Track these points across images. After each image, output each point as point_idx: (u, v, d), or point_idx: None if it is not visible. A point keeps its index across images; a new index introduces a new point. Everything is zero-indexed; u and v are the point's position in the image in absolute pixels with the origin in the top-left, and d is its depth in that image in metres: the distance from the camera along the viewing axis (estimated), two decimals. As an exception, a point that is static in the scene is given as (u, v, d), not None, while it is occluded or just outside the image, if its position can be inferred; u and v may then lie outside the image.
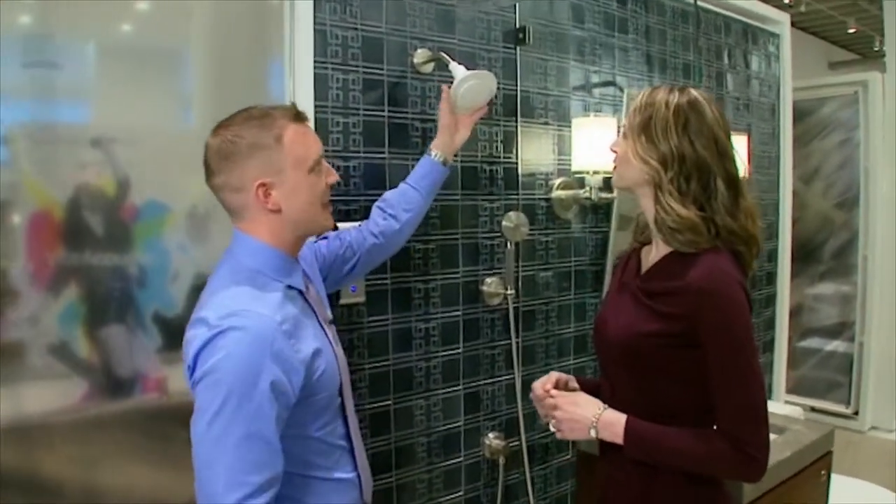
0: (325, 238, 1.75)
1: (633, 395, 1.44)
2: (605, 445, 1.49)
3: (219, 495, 1.16)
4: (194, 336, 1.24)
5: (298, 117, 1.37)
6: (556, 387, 1.56)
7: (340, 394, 1.44)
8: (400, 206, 1.82)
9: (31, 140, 1.52)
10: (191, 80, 1.79)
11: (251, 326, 1.21)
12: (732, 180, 1.40)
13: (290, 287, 1.37)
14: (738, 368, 1.33)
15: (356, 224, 1.85)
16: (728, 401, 1.33)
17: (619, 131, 1.53)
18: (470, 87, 1.88)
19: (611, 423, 1.42)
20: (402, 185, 1.86)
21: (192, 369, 1.24)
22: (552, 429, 1.51)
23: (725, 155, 1.40)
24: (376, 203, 1.84)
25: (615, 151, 1.50)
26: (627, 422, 1.40)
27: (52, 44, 1.53)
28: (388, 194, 1.85)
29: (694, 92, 1.42)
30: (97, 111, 1.62)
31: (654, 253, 1.49)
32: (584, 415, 1.45)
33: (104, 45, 1.62)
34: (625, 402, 1.45)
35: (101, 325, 1.60)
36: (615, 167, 1.50)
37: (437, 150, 1.89)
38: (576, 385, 1.61)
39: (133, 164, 1.62)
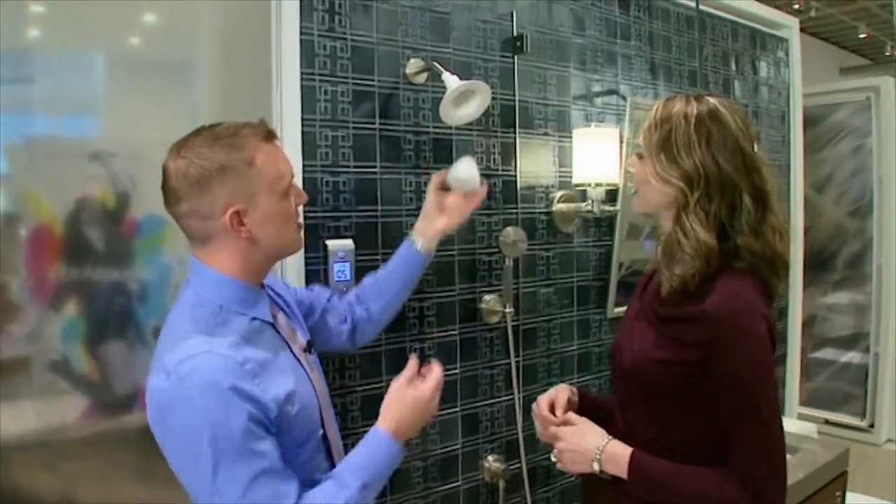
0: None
1: (646, 425, 1.36)
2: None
3: None
4: (155, 388, 1.17)
5: (269, 136, 1.28)
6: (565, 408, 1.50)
7: (322, 426, 1.37)
8: (371, 296, 1.71)
9: (31, 154, 1.50)
10: (195, 92, 1.77)
11: (209, 371, 1.13)
12: (760, 195, 1.28)
13: (255, 319, 1.29)
14: (754, 407, 1.23)
15: (347, 242, 1.85)
16: (742, 441, 1.23)
17: (622, 142, 1.44)
18: (461, 97, 1.81)
19: (615, 455, 1.33)
20: (379, 272, 1.75)
21: (158, 423, 1.18)
22: (553, 459, 1.43)
23: (753, 168, 1.29)
24: (357, 286, 1.75)
25: (631, 171, 1.41)
26: (633, 456, 1.32)
27: (52, 57, 1.52)
28: (366, 279, 1.75)
29: (713, 100, 1.31)
30: (98, 125, 1.61)
31: None
32: (586, 447, 1.36)
33: (108, 58, 1.62)
34: (636, 431, 1.37)
35: (101, 341, 1.58)
36: (636, 191, 1.40)
37: (417, 236, 1.74)
38: (575, 398, 1.55)
39: (133, 177, 1.60)
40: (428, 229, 1.74)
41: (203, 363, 1.13)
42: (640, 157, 1.36)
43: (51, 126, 1.54)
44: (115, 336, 1.61)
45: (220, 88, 1.80)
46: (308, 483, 1.27)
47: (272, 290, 1.44)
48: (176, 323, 1.24)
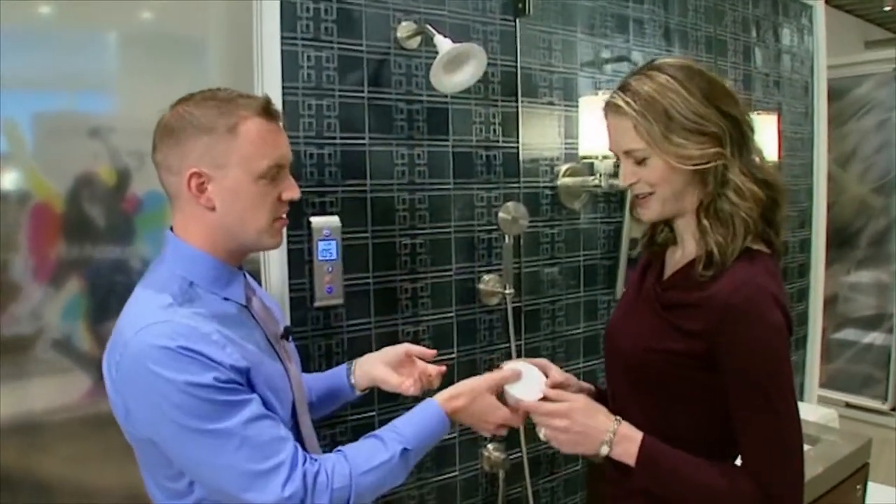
0: None
1: (637, 417, 1.25)
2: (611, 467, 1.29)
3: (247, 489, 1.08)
4: (112, 363, 1.11)
5: (267, 112, 1.18)
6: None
7: (295, 419, 1.27)
8: None
9: (31, 130, 1.48)
10: (204, 67, 1.73)
11: (161, 337, 1.06)
12: (750, 123, 1.22)
13: (227, 299, 1.20)
14: (768, 399, 1.12)
15: (333, 219, 1.71)
16: (755, 436, 1.14)
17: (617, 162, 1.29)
18: (454, 62, 1.68)
19: (627, 438, 1.20)
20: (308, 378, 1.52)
21: (118, 402, 1.13)
22: (542, 437, 1.27)
23: (738, 101, 1.21)
24: None
25: (633, 184, 1.24)
26: (644, 441, 1.20)
27: (55, 33, 1.50)
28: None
29: (668, 60, 1.23)
30: (99, 101, 1.59)
31: (680, 255, 1.28)
32: (597, 427, 1.22)
33: (112, 34, 1.59)
34: (627, 418, 1.25)
35: (103, 319, 1.54)
36: (644, 198, 1.24)
37: (356, 365, 1.51)
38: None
39: (134, 154, 1.56)
40: (373, 372, 1.48)
41: (158, 330, 1.07)
42: (641, 160, 1.20)
43: (52, 102, 1.51)
44: (117, 314, 1.53)
45: (225, 63, 1.74)
46: None
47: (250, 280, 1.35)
48: (141, 295, 1.18)
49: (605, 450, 1.21)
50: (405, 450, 1.19)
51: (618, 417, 1.23)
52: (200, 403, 1.05)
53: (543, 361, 1.41)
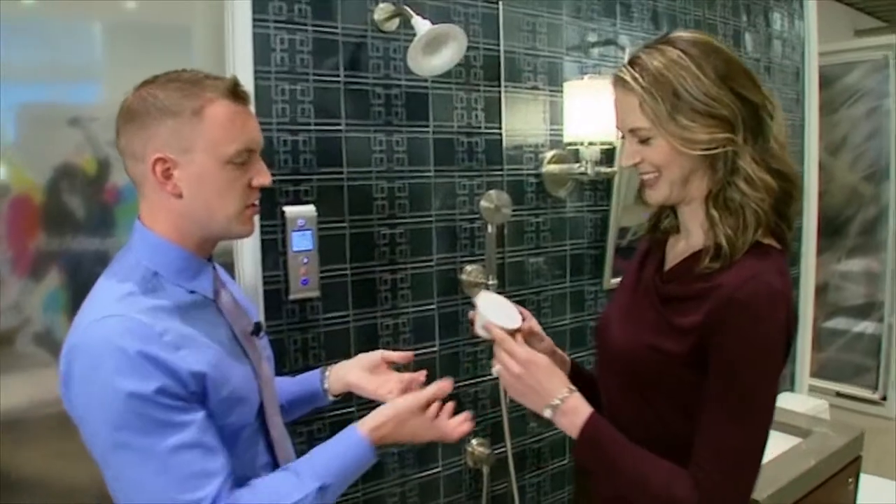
0: None
1: (630, 414, 1.20)
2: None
3: None
4: (63, 354, 1.06)
5: (235, 94, 1.12)
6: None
7: (260, 415, 1.21)
8: None
9: (12, 122, 1.48)
10: (186, 55, 1.69)
11: (115, 334, 1.01)
12: (770, 109, 1.14)
13: (193, 292, 1.14)
14: (747, 404, 1.07)
15: (308, 209, 1.65)
16: (716, 440, 1.07)
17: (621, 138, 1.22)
18: (433, 44, 1.62)
19: (575, 409, 1.15)
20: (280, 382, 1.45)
21: (63, 393, 1.07)
22: (494, 372, 1.22)
23: (757, 83, 1.14)
24: None
25: (636, 164, 1.17)
26: (590, 418, 1.14)
27: (38, 23, 1.48)
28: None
29: (682, 34, 1.15)
30: (78, 90, 1.57)
31: (684, 245, 1.22)
32: (548, 389, 1.16)
33: (97, 24, 1.57)
34: (618, 418, 1.19)
35: None
36: (656, 175, 1.16)
37: (330, 373, 1.46)
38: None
39: (114, 143, 1.53)
40: (349, 377, 1.43)
41: (112, 326, 1.02)
42: (645, 139, 1.14)
43: (32, 93, 1.50)
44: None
45: (207, 49, 1.68)
46: (243, 481, 1.12)
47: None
48: (103, 284, 1.12)
49: (548, 413, 1.17)
50: (321, 487, 1.12)
51: (573, 388, 1.18)
52: (133, 415, 0.99)
53: (525, 312, 1.34)
